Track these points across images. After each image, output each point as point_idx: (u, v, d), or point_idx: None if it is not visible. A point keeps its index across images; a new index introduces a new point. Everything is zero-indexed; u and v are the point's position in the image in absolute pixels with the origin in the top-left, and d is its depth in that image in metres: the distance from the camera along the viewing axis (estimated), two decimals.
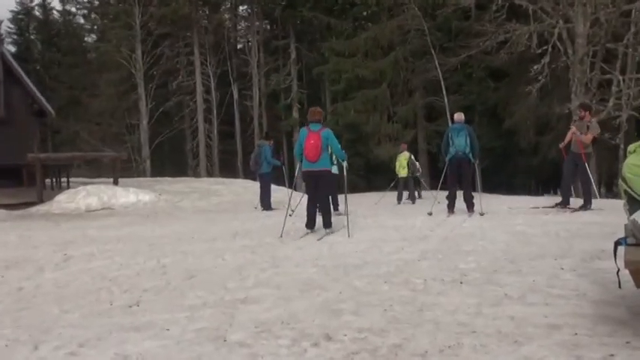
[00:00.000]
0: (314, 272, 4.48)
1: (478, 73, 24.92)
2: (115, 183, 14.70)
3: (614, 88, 19.17)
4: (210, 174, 28.65)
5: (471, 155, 8.49)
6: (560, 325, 2.89)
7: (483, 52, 22.08)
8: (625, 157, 2.98)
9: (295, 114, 29.46)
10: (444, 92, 24.31)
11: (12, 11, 40.34)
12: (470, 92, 25.20)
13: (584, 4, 18.68)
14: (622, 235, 2.83)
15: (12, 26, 39.78)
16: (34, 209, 12.57)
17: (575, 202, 8.87)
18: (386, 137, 25.02)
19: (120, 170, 16.35)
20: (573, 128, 8.49)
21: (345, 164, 7.66)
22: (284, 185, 12.15)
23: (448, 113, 22.78)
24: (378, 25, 25.77)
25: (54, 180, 17.09)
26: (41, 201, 13.28)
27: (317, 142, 6.62)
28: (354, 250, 5.47)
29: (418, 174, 14.76)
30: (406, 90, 26.27)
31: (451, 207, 8.70)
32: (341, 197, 8.64)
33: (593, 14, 18.88)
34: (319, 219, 6.98)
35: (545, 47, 19.43)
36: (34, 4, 40.60)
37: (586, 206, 8.24)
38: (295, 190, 9.65)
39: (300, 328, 3.02)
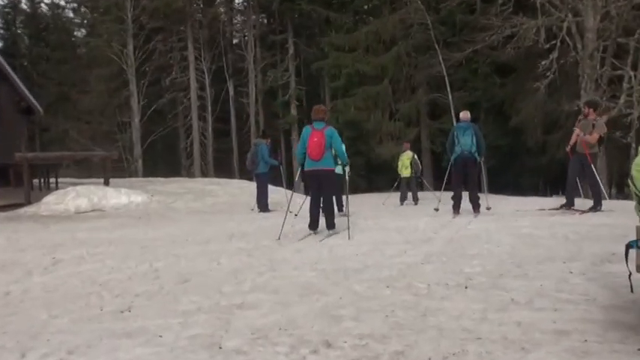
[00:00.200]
0: (313, 276, 4.42)
1: (484, 68, 24.40)
2: (106, 183, 14.53)
3: (625, 85, 18.79)
4: (204, 174, 28.18)
5: (477, 154, 8.46)
6: (569, 331, 2.83)
7: (489, 47, 21.67)
8: (636, 155, 2.82)
9: (293, 111, 28.83)
10: (448, 89, 23.81)
11: None
12: (475, 89, 24.66)
13: None
14: (633, 237, 2.79)
15: None
16: (21, 211, 12.40)
17: (582, 203, 8.75)
18: (388, 135, 24.52)
19: (111, 170, 16.13)
20: (577, 130, 8.34)
21: (347, 169, 7.79)
22: (282, 186, 12.03)
23: (452, 110, 22.33)
24: (379, 18, 25.35)
25: (42, 180, 16.73)
26: (29, 202, 13.05)
27: (320, 140, 6.63)
28: (354, 253, 5.38)
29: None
30: (409, 86, 25.67)
31: (456, 208, 8.65)
32: (342, 198, 8.91)
33: (603, 7, 18.56)
34: (322, 220, 6.95)
35: (553, 42, 19.07)
36: None
37: (596, 208, 8.12)
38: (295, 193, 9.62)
39: (299, 334, 2.97)
